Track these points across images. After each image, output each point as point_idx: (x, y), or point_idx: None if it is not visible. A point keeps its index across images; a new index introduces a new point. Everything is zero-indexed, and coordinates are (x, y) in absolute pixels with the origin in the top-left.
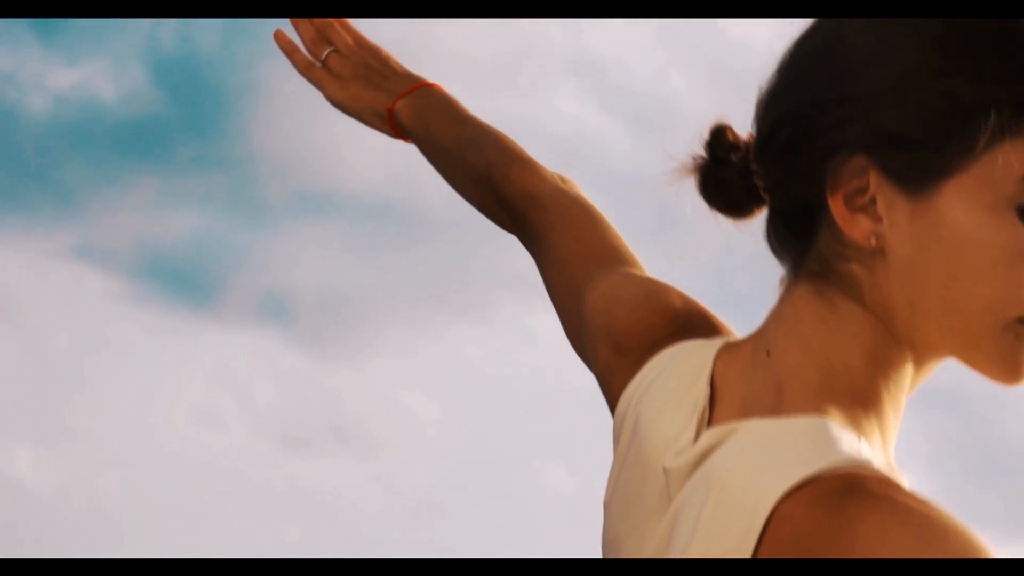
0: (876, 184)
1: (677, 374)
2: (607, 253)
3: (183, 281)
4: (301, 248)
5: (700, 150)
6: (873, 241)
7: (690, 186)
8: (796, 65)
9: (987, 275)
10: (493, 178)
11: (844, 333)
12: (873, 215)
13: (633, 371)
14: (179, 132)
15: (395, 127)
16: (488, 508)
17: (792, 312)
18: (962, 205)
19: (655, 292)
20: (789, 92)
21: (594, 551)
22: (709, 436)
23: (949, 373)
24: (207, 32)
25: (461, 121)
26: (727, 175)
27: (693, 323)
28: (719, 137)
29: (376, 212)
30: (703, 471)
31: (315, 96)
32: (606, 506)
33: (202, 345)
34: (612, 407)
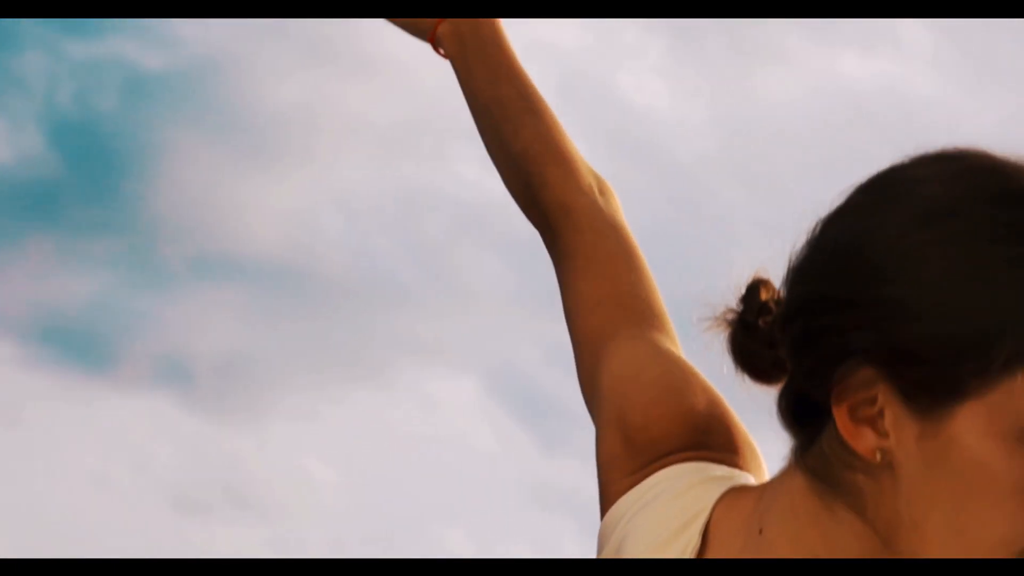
0: (885, 398)
1: (675, 506)
2: (638, 307)
3: (79, 345)
4: (200, 312)
5: (734, 305)
6: (878, 456)
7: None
8: (823, 249)
9: (999, 508)
10: (528, 170)
11: (839, 541)
12: (880, 429)
13: (636, 476)
14: (76, 194)
15: (436, 48)
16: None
17: (789, 501)
18: (974, 432)
19: (679, 386)
20: (811, 277)
21: None
22: None
23: None
24: (105, 93)
25: (503, 76)
26: (754, 344)
27: (712, 435)
28: (752, 297)
29: (277, 276)
30: None
31: (216, 159)
32: None
33: (98, 410)
34: (604, 501)
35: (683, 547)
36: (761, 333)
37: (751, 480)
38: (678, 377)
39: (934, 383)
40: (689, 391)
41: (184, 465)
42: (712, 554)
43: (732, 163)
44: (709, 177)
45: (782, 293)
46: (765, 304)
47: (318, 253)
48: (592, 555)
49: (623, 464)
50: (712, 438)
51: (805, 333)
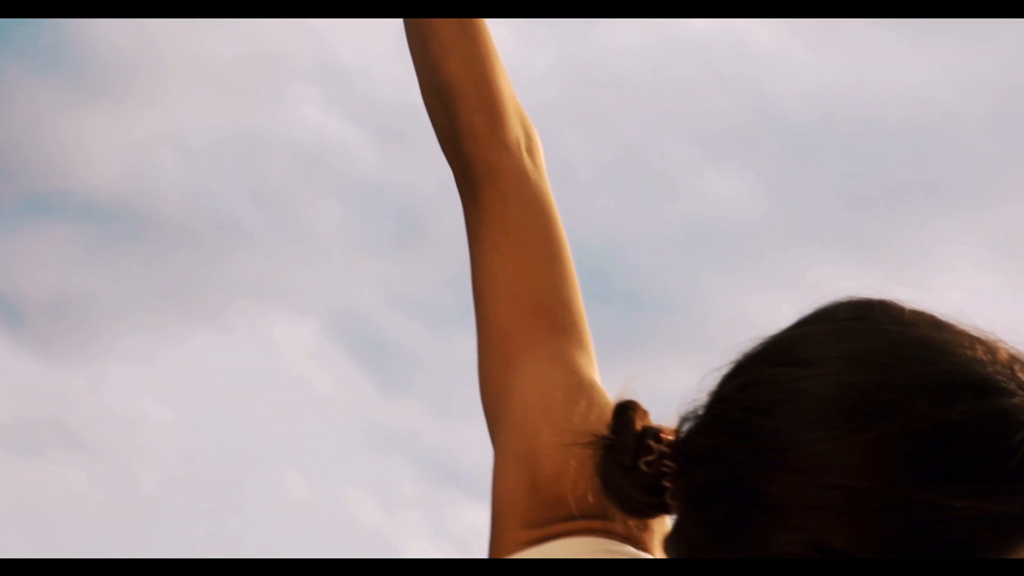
0: None
1: None
2: (559, 315)
3: None
4: (33, 250)
5: (603, 431)
6: None
7: None
8: (735, 433)
9: None
10: (454, 110)
11: None
12: None
13: (534, 533)
14: None
15: None
16: (222, 512)
17: None
18: None
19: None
20: (728, 458)
21: (324, 553)
22: None
23: (678, 382)
24: None
25: None
26: (632, 487)
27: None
28: (625, 429)
29: (114, 216)
30: None
31: (52, 96)
32: None
33: None
34: (496, 545)
35: None
36: (641, 476)
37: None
38: (595, 423)
39: None
40: None
41: (15, 406)
42: None
43: (575, 110)
44: (552, 123)
45: (677, 437)
46: (643, 441)
47: (157, 193)
48: (430, 506)
49: (523, 511)
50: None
51: (730, 518)
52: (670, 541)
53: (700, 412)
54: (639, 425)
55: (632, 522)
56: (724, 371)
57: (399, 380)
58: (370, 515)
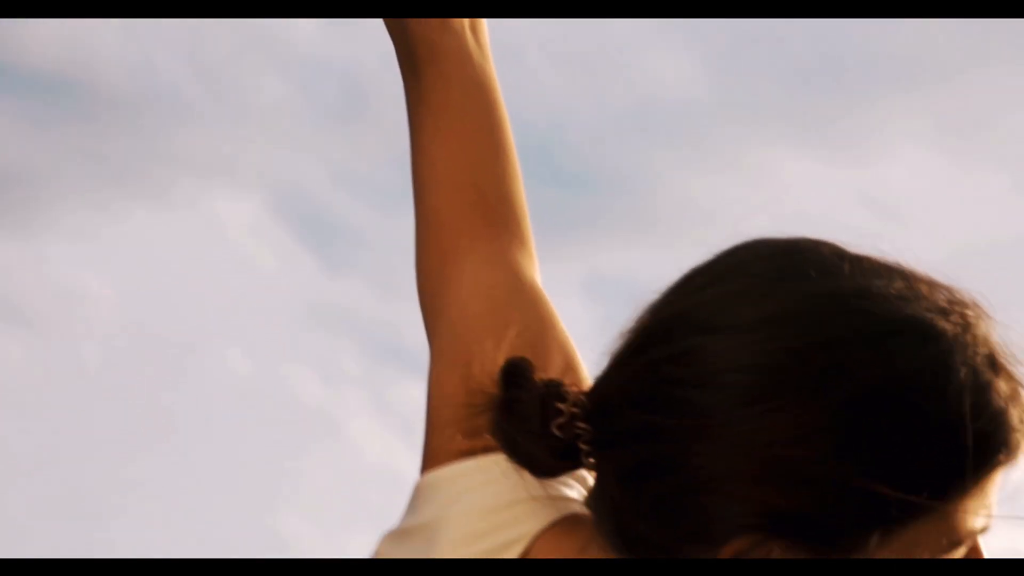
0: (777, 546)
1: (497, 517)
2: (500, 211)
3: None
4: None
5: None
6: None
7: None
8: (670, 379)
9: None
10: None
11: None
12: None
13: (472, 444)
14: None
15: None
16: (164, 388)
17: None
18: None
19: (536, 347)
20: (650, 419)
21: (268, 426)
22: None
23: (621, 264)
24: None
25: None
26: (538, 450)
27: None
28: (521, 389)
29: (53, 89)
30: None
31: None
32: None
33: None
34: (430, 451)
35: None
36: (552, 441)
37: (586, 489)
38: (535, 331)
39: (825, 538)
40: (546, 354)
41: None
42: None
43: None
44: None
45: (584, 392)
46: (548, 402)
47: (97, 66)
48: (372, 384)
49: (459, 419)
50: None
51: (660, 493)
52: (596, 502)
53: (621, 377)
54: (539, 382)
55: None
56: (638, 328)
57: (342, 258)
58: (313, 392)
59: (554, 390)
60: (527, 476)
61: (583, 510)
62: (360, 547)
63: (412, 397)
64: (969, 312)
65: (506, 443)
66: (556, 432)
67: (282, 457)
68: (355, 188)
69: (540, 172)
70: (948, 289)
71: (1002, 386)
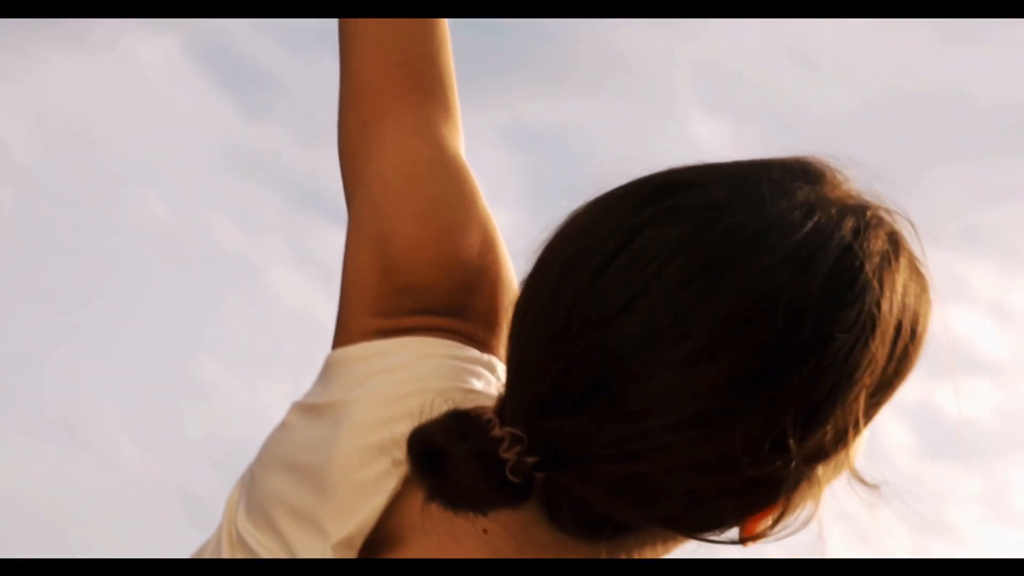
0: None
1: (401, 406)
2: (425, 76)
3: None
4: None
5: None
6: None
7: None
8: (603, 374)
9: None
10: None
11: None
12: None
13: (383, 323)
14: None
15: None
16: (80, 233)
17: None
18: None
19: (456, 225)
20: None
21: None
22: None
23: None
24: None
25: None
26: (501, 500)
27: (475, 296)
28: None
29: None
30: None
31: None
32: (288, 427)
33: None
34: (342, 328)
35: (389, 466)
36: (510, 489)
37: (495, 378)
38: (456, 209)
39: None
40: (466, 232)
41: None
42: (417, 501)
43: None
44: None
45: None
46: (492, 452)
47: None
48: (292, 231)
49: (373, 297)
50: (474, 300)
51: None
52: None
53: (544, 384)
54: (480, 436)
55: (481, 325)
56: (552, 322)
57: (263, 103)
58: (232, 239)
59: (487, 433)
60: (436, 363)
61: (491, 403)
62: (277, 395)
63: (331, 245)
64: (876, 219)
65: (451, 495)
66: (512, 478)
67: (200, 304)
68: (275, 31)
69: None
70: (857, 200)
71: (909, 296)
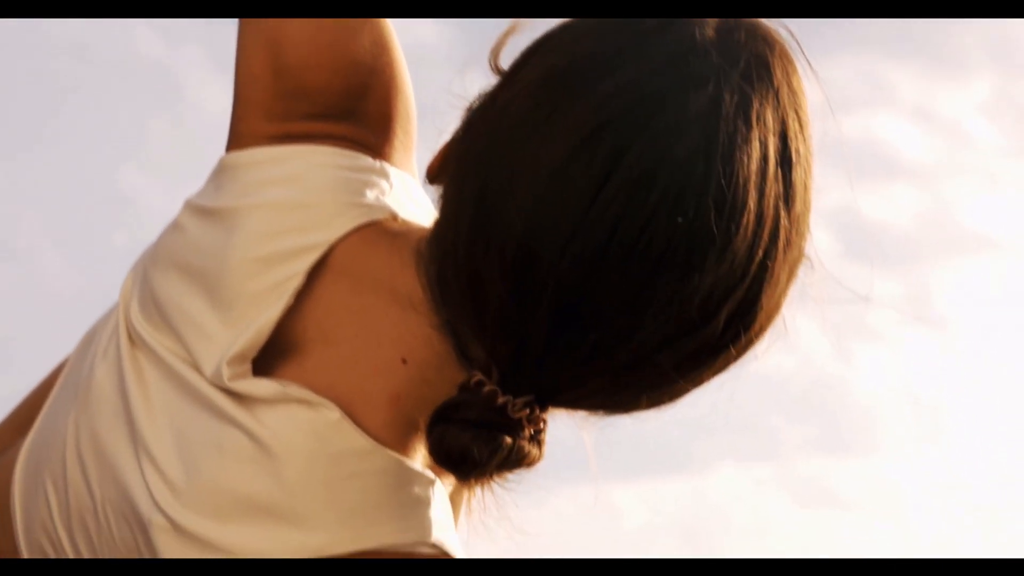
0: None
1: (294, 217)
2: None
3: None
4: None
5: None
6: None
7: None
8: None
9: None
10: None
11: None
12: None
13: (275, 128)
14: None
15: None
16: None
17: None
18: None
19: (347, 28)
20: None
21: (107, 82)
22: (266, 387)
23: None
24: None
25: None
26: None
27: (368, 100)
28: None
29: None
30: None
31: None
32: (181, 227)
33: None
34: (235, 134)
35: (282, 278)
36: (531, 449)
37: (388, 185)
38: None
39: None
40: (359, 33)
41: None
42: (316, 310)
43: None
44: None
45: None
46: (517, 422)
47: None
48: (210, 39)
49: (265, 100)
50: (367, 103)
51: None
52: (439, 251)
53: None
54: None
55: (374, 130)
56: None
57: None
58: (152, 48)
59: (500, 403)
60: (328, 174)
61: (384, 215)
62: None
63: None
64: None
65: (472, 463)
66: (530, 435)
67: (121, 113)
68: None
69: None
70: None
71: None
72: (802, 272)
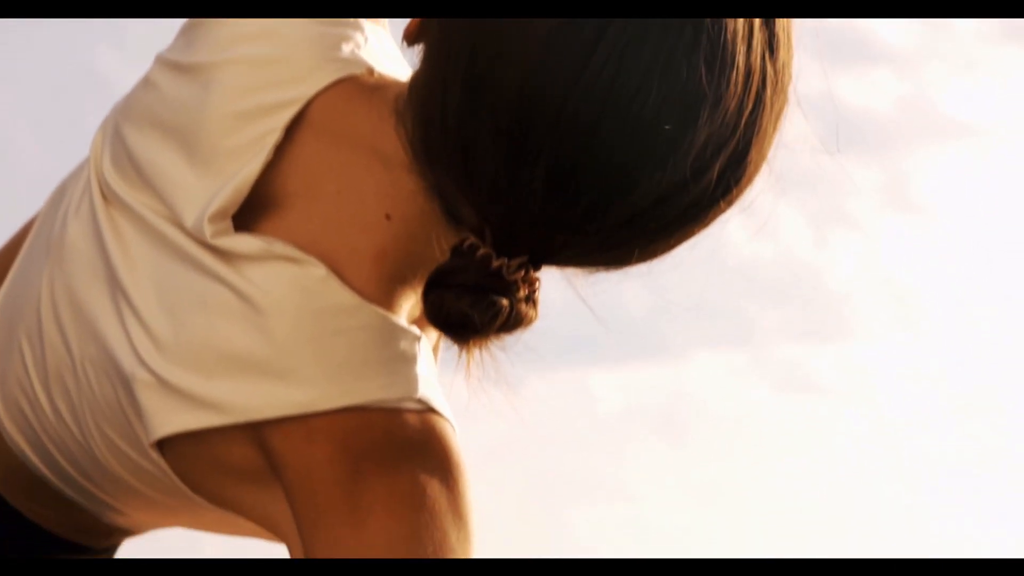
0: None
1: (266, 73)
2: None
3: None
4: None
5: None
6: None
7: None
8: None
9: None
10: None
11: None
12: None
13: None
14: None
15: None
16: None
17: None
18: None
19: None
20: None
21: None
22: (250, 244)
23: None
24: None
25: None
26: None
27: None
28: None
29: None
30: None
31: None
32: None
33: None
34: None
35: (260, 133)
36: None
37: (363, 38)
38: None
39: None
40: None
41: None
42: (296, 165)
43: None
44: None
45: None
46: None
47: None
48: None
49: None
50: None
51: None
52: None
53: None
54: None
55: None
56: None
57: None
58: None
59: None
60: (303, 29)
61: (360, 70)
62: None
63: None
64: None
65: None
66: (524, 289)
67: None
68: None
69: None
70: None
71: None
72: (785, 122)
